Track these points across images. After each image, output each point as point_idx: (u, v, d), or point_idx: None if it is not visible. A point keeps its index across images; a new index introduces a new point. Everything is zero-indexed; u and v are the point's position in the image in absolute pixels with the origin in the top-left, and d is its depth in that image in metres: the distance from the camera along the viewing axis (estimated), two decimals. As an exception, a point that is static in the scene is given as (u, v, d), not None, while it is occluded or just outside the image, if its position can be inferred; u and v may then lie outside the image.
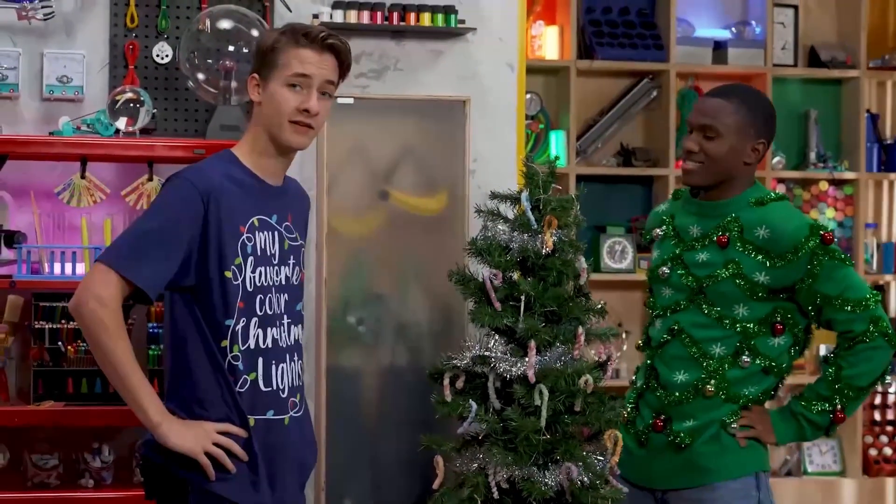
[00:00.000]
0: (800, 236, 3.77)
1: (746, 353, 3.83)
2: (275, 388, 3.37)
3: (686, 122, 3.95)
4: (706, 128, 3.84)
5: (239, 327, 3.31)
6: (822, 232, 3.77)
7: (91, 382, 4.77)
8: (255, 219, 3.36)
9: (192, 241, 3.28)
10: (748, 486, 3.87)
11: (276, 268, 3.39)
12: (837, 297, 3.77)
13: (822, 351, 6.88)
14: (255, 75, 3.41)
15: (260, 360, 3.35)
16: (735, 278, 3.80)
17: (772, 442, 3.88)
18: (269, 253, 3.37)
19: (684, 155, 3.88)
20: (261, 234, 3.36)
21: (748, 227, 3.81)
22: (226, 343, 3.30)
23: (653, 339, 3.96)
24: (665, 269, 3.91)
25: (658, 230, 4.01)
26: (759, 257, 3.79)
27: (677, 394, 3.83)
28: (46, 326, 4.79)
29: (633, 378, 4.05)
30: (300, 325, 3.48)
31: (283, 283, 3.41)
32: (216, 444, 3.28)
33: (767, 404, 3.94)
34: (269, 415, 3.37)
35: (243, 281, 3.31)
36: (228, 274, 3.29)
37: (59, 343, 4.78)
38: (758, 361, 3.83)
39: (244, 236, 3.32)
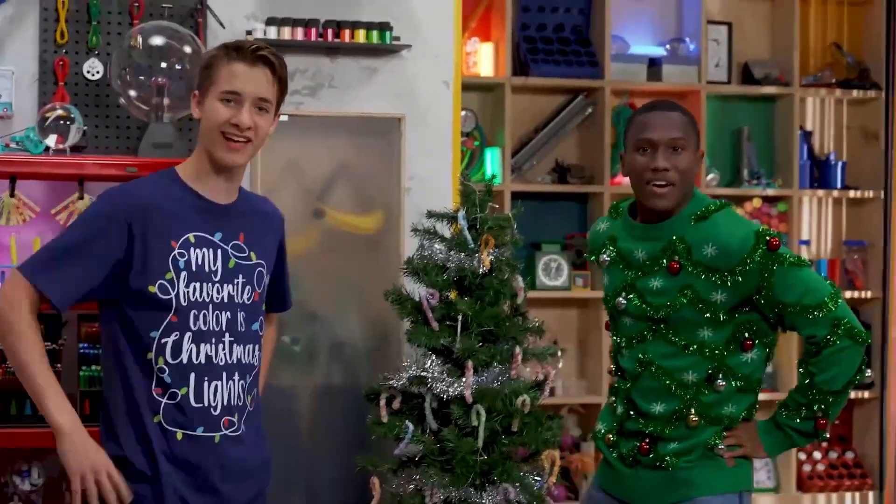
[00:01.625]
0: (746, 248, 3.66)
1: (720, 376, 3.74)
2: (206, 404, 3.34)
3: (642, 141, 3.77)
4: (674, 141, 3.69)
5: (168, 340, 3.30)
6: (767, 238, 3.67)
7: (20, 404, 4.68)
8: (190, 235, 3.34)
9: (115, 256, 3.29)
10: (730, 502, 3.80)
11: (216, 285, 3.37)
12: (795, 304, 3.67)
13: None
14: (196, 92, 3.43)
15: (192, 376, 3.33)
16: (694, 303, 3.70)
17: (763, 456, 3.83)
18: (207, 269, 3.35)
19: (650, 176, 3.70)
20: (198, 250, 3.34)
21: (695, 246, 3.71)
22: (151, 355, 3.30)
23: (625, 371, 3.85)
24: (621, 301, 3.80)
25: (604, 256, 3.89)
26: (713, 277, 3.68)
27: (658, 425, 3.76)
28: (-26, 347, 4.71)
29: (612, 400, 3.91)
30: (252, 345, 3.45)
31: (226, 300, 3.38)
32: (98, 482, 3.27)
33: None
34: (199, 431, 3.33)
35: (176, 295, 3.31)
36: (153, 288, 3.29)
37: (-10, 365, 4.71)
38: (732, 382, 3.75)
39: (175, 251, 3.31)
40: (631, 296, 3.78)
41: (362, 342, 5.07)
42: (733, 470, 3.81)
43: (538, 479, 3.89)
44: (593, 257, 3.95)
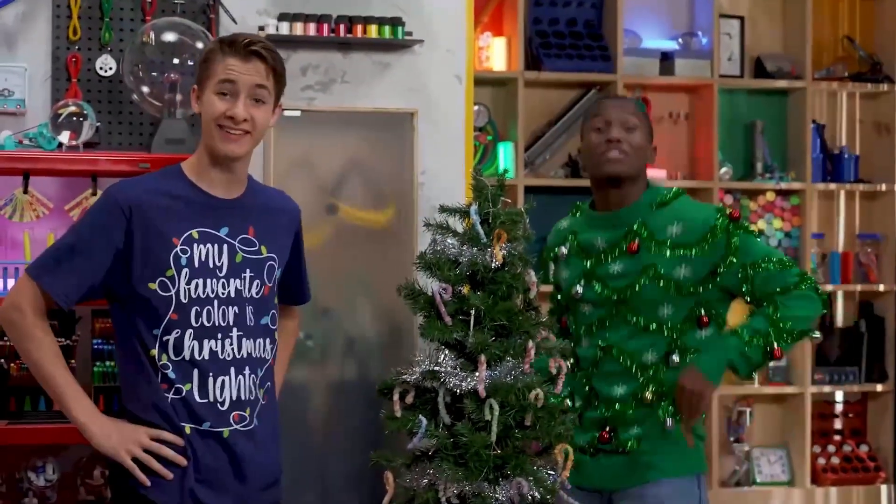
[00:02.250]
0: (711, 219, 3.92)
1: (676, 352, 3.93)
2: (211, 399, 3.36)
3: (597, 120, 4.03)
4: (628, 120, 3.98)
5: (170, 338, 3.33)
6: (728, 211, 3.94)
7: (35, 400, 4.69)
8: (194, 231, 3.36)
9: (115, 253, 3.34)
10: (690, 484, 4.00)
11: (222, 280, 3.38)
12: (762, 258, 3.89)
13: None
14: (195, 87, 3.49)
15: (195, 372, 3.35)
16: (656, 280, 3.91)
17: (711, 389, 3.90)
18: (212, 265, 3.37)
19: (604, 147, 3.98)
20: (201, 246, 3.37)
21: (658, 228, 3.94)
22: (154, 352, 3.33)
23: (584, 360, 4.05)
24: (578, 289, 4.01)
25: (563, 248, 4.09)
26: (678, 252, 3.90)
27: (618, 406, 3.93)
28: (-12, 343, 4.72)
29: (567, 401, 4.06)
30: (263, 339, 3.46)
31: (233, 295, 3.39)
32: (148, 451, 3.28)
33: None
34: (206, 426, 3.35)
35: (177, 292, 3.34)
36: (153, 286, 3.32)
37: (2, 360, 4.70)
38: (686, 358, 3.94)
39: (177, 248, 3.34)
40: (591, 283, 3.97)
41: (375, 337, 5.07)
42: (690, 453, 3.98)
43: (551, 473, 3.89)
44: (552, 254, 4.11)
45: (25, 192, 4.71)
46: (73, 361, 4.68)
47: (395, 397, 3.96)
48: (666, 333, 3.92)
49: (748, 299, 3.98)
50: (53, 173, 4.80)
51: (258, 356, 3.45)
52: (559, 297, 4.23)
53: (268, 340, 3.48)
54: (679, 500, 3.98)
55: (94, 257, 3.33)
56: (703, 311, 3.94)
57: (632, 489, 3.99)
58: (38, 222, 4.76)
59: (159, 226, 3.33)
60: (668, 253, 3.90)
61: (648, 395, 3.92)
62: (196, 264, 3.35)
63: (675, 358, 3.93)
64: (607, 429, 3.98)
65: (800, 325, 3.89)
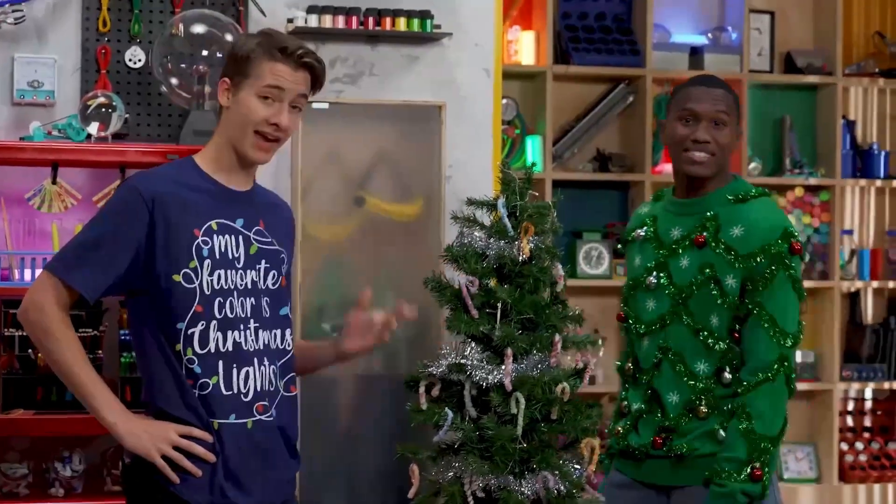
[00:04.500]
0: (771, 237, 3.65)
1: (728, 369, 3.70)
2: (236, 391, 3.33)
3: (685, 111, 3.78)
4: (718, 115, 3.72)
5: (195, 331, 3.28)
6: (792, 240, 3.66)
7: (61, 391, 4.71)
8: (213, 222, 3.33)
9: (138, 246, 3.27)
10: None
11: (240, 271, 3.35)
12: (769, 317, 3.64)
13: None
14: (227, 80, 3.37)
15: (220, 364, 3.31)
16: (709, 283, 3.68)
17: None
18: (230, 256, 3.34)
19: (691, 145, 3.71)
20: (220, 237, 3.33)
21: (725, 224, 3.70)
22: (179, 347, 3.28)
23: (644, 360, 3.81)
24: (652, 280, 3.79)
25: (640, 231, 3.86)
26: (730, 257, 3.66)
27: (672, 416, 3.73)
28: (16, 334, 4.73)
29: (623, 396, 3.87)
30: (281, 330, 3.43)
31: (249, 286, 3.37)
32: (177, 448, 3.25)
33: None
34: (231, 418, 3.33)
35: (200, 284, 3.29)
36: (177, 278, 3.26)
37: (29, 351, 4.72)
38: (736, 375, 3.70)
39: (199, 239, 3.29)
40: (661, 274, 3.76)
41: (402, 330, 5.02)
42: None
43: (577, 467, 3.88)
44: (629, 236, 3.91)
45: (54, 182, 4.73)
46: (100, 352, 4.71)
47: (422, 390, 3.97)
48: (712, 344, 3.69)
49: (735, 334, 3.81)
50: (82, 164, 4.81)
51: (276, 347, 3.42)
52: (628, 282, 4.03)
53: (286, 332, 3.46)
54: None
55: (118, 250, 3.26)
56: (737, 326, 3.70)
57: (693, 487, 3.71)
58: (67, 213, 4.77)
59: (180, 217, 3.29)
60: (724, 254, 3.66)
61: (703, 408, 3.69)
62: (217, 255, 3.32)
63: (728, 375, 3.68)
64: (662, 435, 3.72)
65: (775, 427, 3.64)
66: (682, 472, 3.76)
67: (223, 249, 3.33)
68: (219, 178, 3.37)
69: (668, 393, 3.74)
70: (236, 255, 3.35)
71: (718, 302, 3.68)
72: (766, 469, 3.62)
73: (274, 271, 3.42)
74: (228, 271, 3.33)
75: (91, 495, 4.77)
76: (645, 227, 3.86)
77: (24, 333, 4.72)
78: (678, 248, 3.76)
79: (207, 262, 3.29)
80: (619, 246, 4.03)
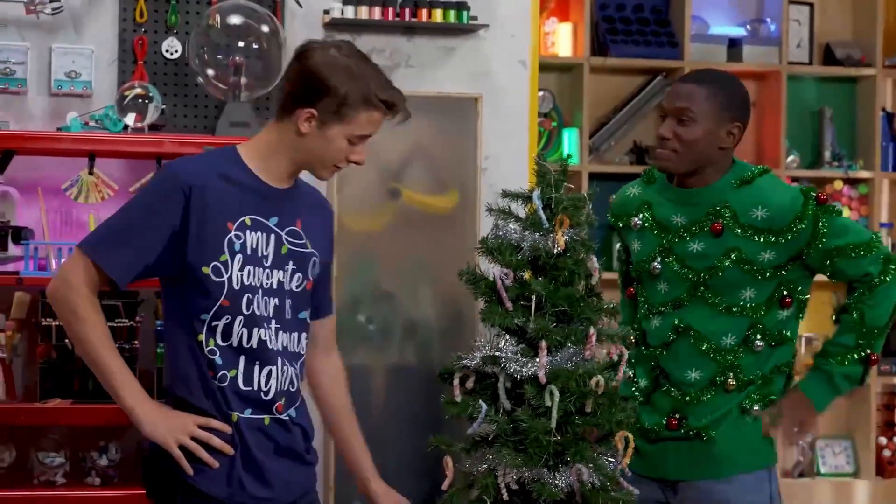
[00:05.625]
0: (798, 205, 3.81)
1: (758, 336, 3.85)
2: (255, 388, 3.32)
3: (659, 108, 3.95)
4: (681, 111, 3.82)
5: (219, 324, 3.28)
6: (814, 194, 3.83)
7: (98, 380, 4.72)
8: (247, 218, 3.31)
9: (172, 232, 3.26)
10: (762, 479, 3.90)
11: (267, 270, 3.33)
12: (847, 246, 3.81)
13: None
14: (313, 112, 3.30)
15: (242, 359, 3.30)
16: (739, 264, 3.81)
17: (814, 415, 3.90)
18: (260, 254, 3.32)
19: (658, 142, 3.87)
20: (253, 233, 3.31)
21: (742, 210, 3.83)
22: (202, 337, 3.28)
23: (653, 338, 3.95)
24: (656, 265, 3.91)
25: (636, 219, 3.99)
26: (762, 238, 3.81)
27: (693, 392, 3.84)
28: (53, 324, 4.76)
29: (629, 373, 4.00)
30: (298, 333, 3.41)
31: (275, 287, 3.35)
32: (195, 438, 3.25)
33: None
34: (247, 413, 3.32)
35: (229, 278, 3.28)
36: (206, 270, 3.26)
37: (66, 340, 4.74)
38: (769, 341, 3.87)
39: (232, 233, 3.28)
40: (669, 259, 3.86)
41: (436, 322, 5.07)
42: (764, 444, 3.90)
43: (611, 460, 3.86)
44: (620, 222, 4.02)
45: (91, 173, 4.75)
46: (136, 342, 4.72)
47: (456, 382, 3.95)
48: (747, 316, 3.84)
49: (832, 279, 3.94)
50: (119, 155, 4.84)
51: (293, 350, 3.41)
52: (630, 268, 4.13)
53: (303, 336, 3.44)
54: (750, 497, 3.89)
55: (151, 235, 3.25)
56: (786, 292, 3.86)
57: (701, 482, 3.89)
58: (103, 204, 4.78)
59: (215, 208, 3.27)
60: (753, 236, 3.81)
61: (732, 381, 3.83)
62: (248, 251, 3.31)
63: (759, 343, 3.84)
64: (676, 415, 3.88)
65: (884, 318, 3.84)
66: (692, 461, 3.83)
67: (254, 246, 3.32)
68: (261, 175, 3.36)
69: (685, 371, 3.87)
70: (265, 254, 3.34)
71: (757, 278, 3.83)
72: (877, 353, 3.86)
73: (300, 274, 3.40)
74: (256, 268, 3.32)
75: (127, 484, 4.80)
76: (641, 215, 3.98)
77: (62, 323, 4.75)
78: (686, 234, 3.88)
79: (239, 256, 3.28)
80: (612, 221, 4.14)
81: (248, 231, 3.31)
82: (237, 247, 3.29)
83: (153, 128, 4.80)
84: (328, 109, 3.29)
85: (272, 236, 3.35)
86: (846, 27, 7.29)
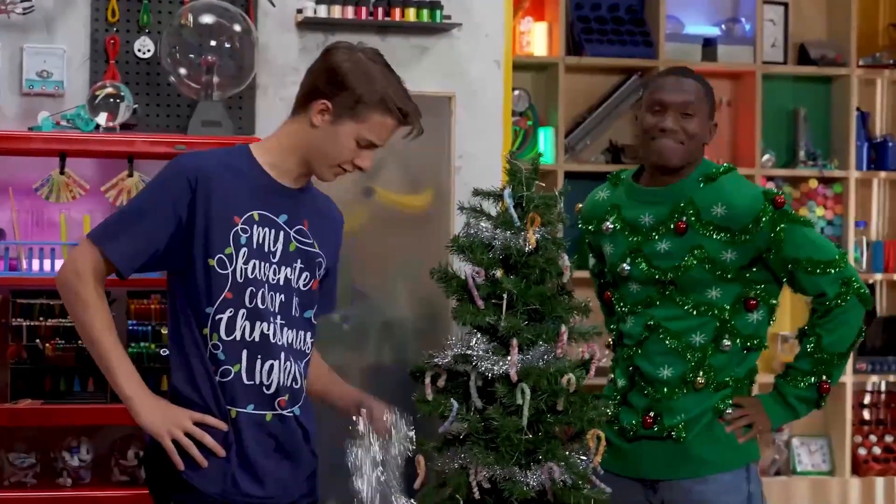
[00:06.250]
0: (757, 207, 3.79)
1: (726, 336, 3.85)
2: (258, 382, 3.34)
3: (654, 101, 3.89)
4: (686, 105, 3.83)
5: (222, 317, 3.29)
6: (773, 197, 3.80)
7: (69, 380, 4.72)
8: (254, 213, 3.33)
9: (178, 223, 3.28)
10: (739, 478, 3.90)
11: (274, 266, 3.35)
12: (806, 260, 3.78)
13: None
14: (328, 105, 3.32)
15: (244, 353, 3.32)
16: (703, 263, 3.81)
17: (768, 428, 3.90)
18: (266, 249, 3.34)
19: (658, 134, 3.84)
20: (260, 228, 3.33)
21: (704, 207, 3.83)
22: (206, 331, 3.29)
23: (628, 337, 3.96)
24: (625, 266, 3.93)
25: (608, 224, 4.00)
26: (722, 236, 3.80)
27: (665, 390, 3.85)
28: (24, 324, 4.75)
29: (612, 376, 4.04)
30: (304, 332, 3.43)
31: (281, 283, 3.37)
32: (189, 434, 3.25)
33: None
34: (250, 408, 3.33)
35: (233, 271, 3.29)
36: (212, 262, 3.27)
37: (37, 341, 4.73)
38: (738, 342, 3.86)
39: (238, 227, 3.30)
40: (638, 260, 3.89)
41: (411, 321, 5.06)
42: (741, 443, 3.90)
43: (583, 458, 3.86)
44: (590, 226, 4.03)
45: (62, 173, 4.73)
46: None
47: (427, 381, 3.95)
48: (716, 314, 3.83)
49: (792, 290, 3.92)
50: (90, 154, 4.82)
51: (298, 348, 3.43)
52: (605, 271, 4.14)
53: (308, 334, 3.46)
54: (726, 497, 3.89)
55: (156, 225, 3.27)
56: (752, 294, 3.85)
57: (679, 481, 3.89)
58: (75, 203, 4.78)
59: (222, 201, 3.28)
60: (714, 234, 3.80)
61: (700, 379, 3.83)
62: (254, 245, 3.32)
63: (727, 342, 3.84)
64: (651, 413, 3.88)
65: (843, 345, 3.82)
66: (669, 461, 3.84)
67: (261, 241, 3.33)
68: (271, 172, 3.37)
69: (658, 368, 3.88)
70: (273, 250, 3.35)
71: (721, 278, 3.82)
72: (831, 382, 3.84)
73: (307, 273, 3.42)
74: (263, 263, 3.33)
75: (99, 485, 4.79)
76: (611, 217, 4.00)
77: (33, 324, 4.74)
78: (654, 233, 3.89)
79: (244, 250, 3.30)
80: (583, 229, 4.16)
81: (255, 226, 3.32)
82: (243, 240, 3.30)
83: (125, 127, 4.78)
84: (344, 104, 3.31)
85: (280, 233, 3.36)
86: (821, 27, 7.31)
